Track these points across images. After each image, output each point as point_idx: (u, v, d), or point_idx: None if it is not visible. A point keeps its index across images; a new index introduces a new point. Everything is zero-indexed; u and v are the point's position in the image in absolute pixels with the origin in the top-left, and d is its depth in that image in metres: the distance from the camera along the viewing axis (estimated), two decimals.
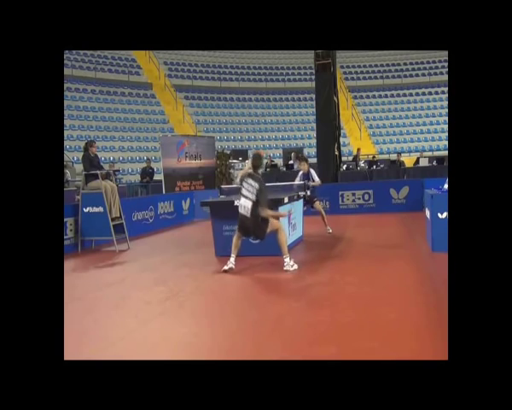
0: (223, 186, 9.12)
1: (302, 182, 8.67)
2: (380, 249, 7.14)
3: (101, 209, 8.21)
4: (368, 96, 27.23)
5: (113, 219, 8.29)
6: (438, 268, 5.50)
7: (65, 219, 8.11)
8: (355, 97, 27.03)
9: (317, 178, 9.09)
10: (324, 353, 3.22)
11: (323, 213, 9.17)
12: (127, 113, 22.34)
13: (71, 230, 8.41)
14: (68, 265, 6.99)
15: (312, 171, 9.29)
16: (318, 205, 9.20)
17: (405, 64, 28.27)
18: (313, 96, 17.49)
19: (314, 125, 16.50)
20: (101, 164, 8.98)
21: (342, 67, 27.09)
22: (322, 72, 14.33)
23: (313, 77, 16.81)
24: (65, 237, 8.10)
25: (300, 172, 9.26)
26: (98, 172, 8.29)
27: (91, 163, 8.37)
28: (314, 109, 15.99)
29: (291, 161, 16.52)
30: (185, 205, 12.96)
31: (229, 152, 18.84)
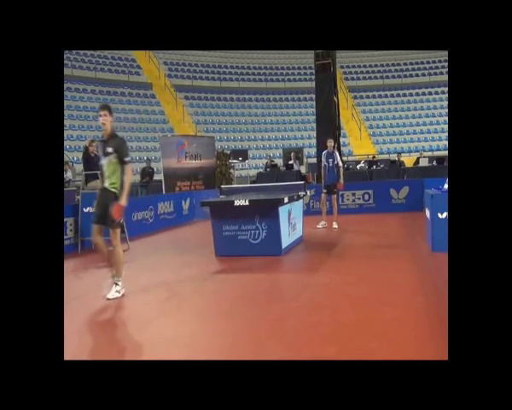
0: (223, 186, 9.12)
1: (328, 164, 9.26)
2: (380, 249, 7.14)
3: None
4: (368, 96, 27.24)
5: None
6: (438, 268, 5.50)
7: (65, 219, 8.10)
8: (355, 97, 27.03)
9: (339, 161, 9.46)
10: (324, 353, 3.22)
11: (336, 207, 9.65)
12: (127, 113, 22.32)
13: (71, 230, 8.41)
14: (68, 265, 6.98)
15: (337, 152, 9.66)
16: (335, 199, 9.60)
17: (405, 64, 28.27)
18: (313, 96, 17.48)
19: (314, 125, 16.49)
20: None
21: (342, 67, 27.08)
22: (322, 72, 14.32)
23: (313, 77, 16.80)
24: (65, 237, 8.09)
25: (325, 151, 9.55)
26: (98, 172, 8.28)
27: (90, 162, 8.37)
28: (314, 109, 15.98)
29: (291, 161, 16.51)
30: (185, 205, 12.94)
31: (229, 152, 18.84)
